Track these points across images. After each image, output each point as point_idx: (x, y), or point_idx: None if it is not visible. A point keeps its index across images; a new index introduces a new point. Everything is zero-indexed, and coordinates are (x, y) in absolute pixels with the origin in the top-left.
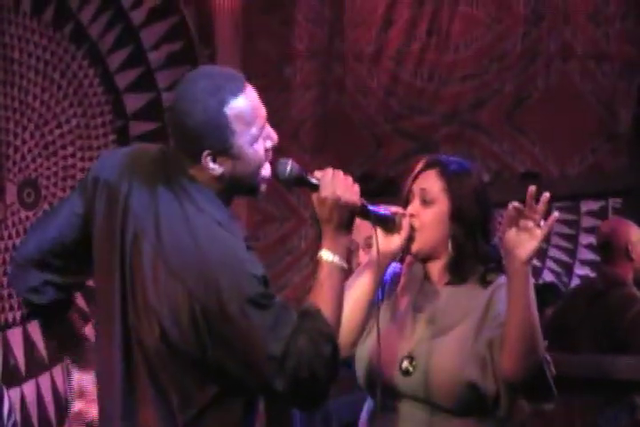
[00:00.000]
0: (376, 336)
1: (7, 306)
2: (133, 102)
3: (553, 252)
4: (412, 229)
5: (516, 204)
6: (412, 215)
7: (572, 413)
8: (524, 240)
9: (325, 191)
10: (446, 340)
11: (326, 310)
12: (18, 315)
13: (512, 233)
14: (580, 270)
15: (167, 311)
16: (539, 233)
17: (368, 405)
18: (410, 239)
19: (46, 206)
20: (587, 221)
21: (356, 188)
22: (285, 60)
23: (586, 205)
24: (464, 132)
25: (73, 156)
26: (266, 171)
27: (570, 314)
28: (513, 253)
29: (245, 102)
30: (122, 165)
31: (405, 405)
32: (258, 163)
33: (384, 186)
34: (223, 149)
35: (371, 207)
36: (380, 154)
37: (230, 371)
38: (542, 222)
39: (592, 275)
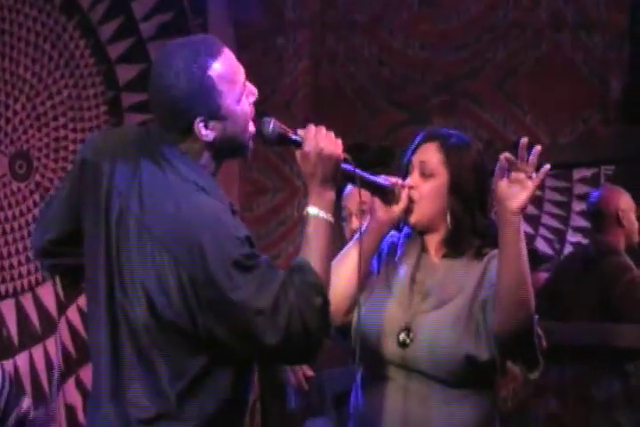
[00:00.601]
0: (374, 309)
1: (0, 278)
2: (125, 73)
3: (545, 219)
4: (411, 200)
5: (507, 154)
6: (410, 187)
7: (565, 381)
8: (515, 191)
9: (308, 145)
10: (443, 313)
11: (315, 262)
12: (10, 287)
13: (503, 184)
14: (573, 237)
15: (154, 281)
16: (530, 184)
17: (361, 375)
18: (408, 211)
19: (38, 178)
20: (579, 188)
21: (339, 141)
22: (277, 31)
23: (578, 173)
24: (456, 101)
25: (64, 127)
26: (251, 127)
27: (562, 282)
28: (504, 204)
29: (225, 62)
30: (105, 146)
31: (401, 376)
32: (245, 119)
33: (377, 156)
34: (213, 112)
35: (370, 177)
36: (373, 124)
37: (221, 337)
38: (534, 174)
39: (585, 242)
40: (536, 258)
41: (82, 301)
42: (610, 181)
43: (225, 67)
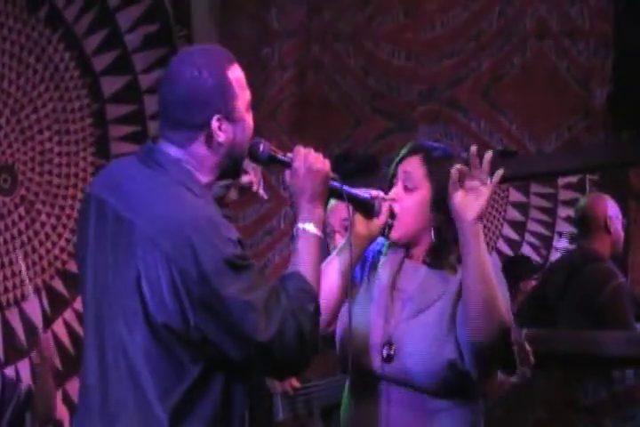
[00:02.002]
0: (359, 320)
1: None
2: (110, 85)
3: (532, 225)
4: (392, 215)
5: (458, 166)
6: (392, 200)
7: (552, 387)
8: (470, 200)
9: (297, 162)
10: (424, 319)
11: (306, 273)
12: None
13: (458, 196)
14: (559, 243)
15: (146, 282)
16: (485, 191)
17: (349, 387)
18: (389, 226)
19: (23, 192)
20: (565, 194)
21: (327, 161)
22: (263, 40)
23: (563, 179)
24: (441, 110)
25: (50, 140)
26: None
27: (548, 289)
28: (461, 215)
29: (239, 71)
30: (106, 177)
31: (385, 387)
32: (250, 130)
33: (362, 165)
34: (229, 112)
35: (350, 190)
36: (359, 133)
37: (212, 338)
38: (488, 181)
39: (571, 247)
40: (529, 266)
41: (68, 314)
42: (595, 186)
43: (238, 74)
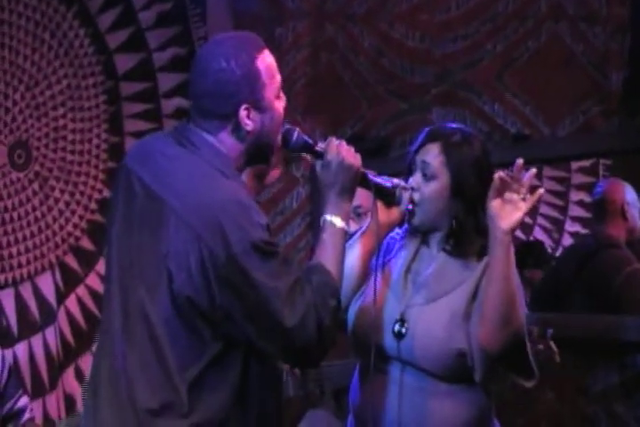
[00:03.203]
0: (371, 300)
1: None
2: (124, 63)
3: (544, 209)
4: (413, 202)
5: (502, 174)
6: (412, 188)
7: (563, 372)
8: (508, 211)
9: (330, 155)
10: (438, 307)
11: (331, 267)
12: (10, 276)
13: (497, 202)
14: (571, 227)
15: (175, 256)
16: (523, 206)
17: (359, 368)
18: (410, 213)
19: (37, 168)
20: (577, 178)
21: (359, 156)
22: (277, 20)
23: (576, 162)
24: (455, 92)
25: (64, 117)
26: (279, 137)
27: (562, 274)
28: (496, 223)
29: (268, 58)
30: (140, 150)
31: (395, 368)
32: (280, 118)
33: (376, 146)
34: (257, 101)
35: (372, 177)
36: (372, 114)
37: (236, 318)
38: (527, 196)
39: (583, 231)
40: (540, 255)
41: (81, 290)
42: (608, 170)
43: (268, 62)
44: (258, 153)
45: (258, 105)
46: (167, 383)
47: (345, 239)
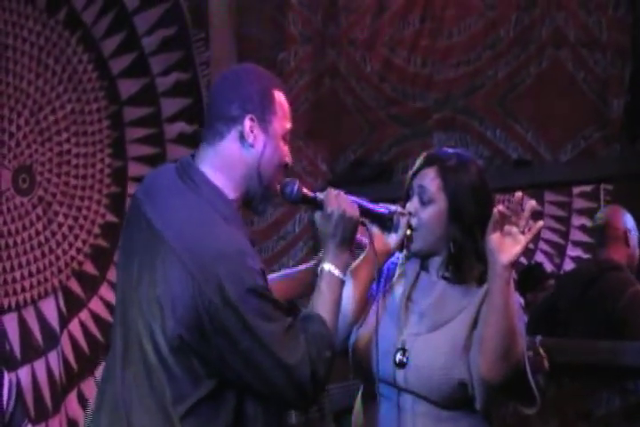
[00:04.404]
0: (372, 328)
1: (2, 292)
2: (127, 87)
3: (545, 233)
4: (411, 228)
5: (501, 208)
6: (410, 214)
7: (564, 397)
8: (507, 245)
9: (331, 206)
10: (438, 336)
11: (326, 316)
12: (13, 301)
13: (496, 236)
14: (573, 252)
15: (169, 295)
16: (522, 239)
17: (361, 393)
18: (409, 238)
19: (41, 192)
20: (579, 203)
21: (356, 206)
22: (279, 45)
23: (578, 187)
24: (457, 118)
25: (68, 141)
26: (277, 186)
27: (562, 299)
28: (496, 257)
29: (284, 99)
30: (149, 183)
31: (397, 394)
32: (281, 161)
33: (377, 171)
34: (263, 119)
35: (368, 205)
36: (373, 139)
37: (230, 362)
38: (527, 229)
39: (584, 256)
40: (539, 276)
41: (84, 315)
42: (609, 195)
43: (285, 102)
44: (256, 186)
45: (264, 125)
46: (161, 414)
47: (341, 288)
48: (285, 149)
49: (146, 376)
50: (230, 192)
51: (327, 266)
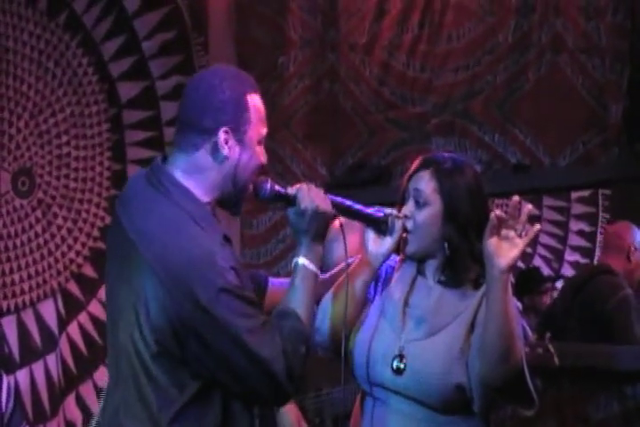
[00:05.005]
0: (370, 333)
1: (1, 294)
2: (127, 90)
3: (543, 238)
4: (406, 230)
5: (498, 212)
6: (405, 216)
7: (563, 401)
8: (504, 249)
9: (304, 203)
10: (436, 341)
11: (301, 311)
12: (12, 303)
13: (493, 241)
14: (571, 256)
15: (143, 301)
16: (519, 243)
17: (360, 397)
18: (404, 241)
19: (40, 195)
20: (577, 208)
21: (328, 199)
22: (279, 49)
23: (576, 192)
24: (455, 122)
25: (67, 144)
26: (250, 186)
27: (558, 303)
28: (493, 262)
29: (259, 102)
30: (125, 191)
31: (396, 400)
32: (257, 165)
33: (376, 175)
34: (238, 130)
35: (362, 208)
36: (372, 143)
37: (207, 363)
38: (524, 232)
39: (582, 261)
40: (539, 278)
41: (83, 317)
42: (608, 201)
43: (258, 105)
44: (232, 192)
45: (238, 136)
46: (149, 420)
47: (316, 282)
48: (260, 151)
49: (133, 384)
50: (202, 196)
51: (301, 260)
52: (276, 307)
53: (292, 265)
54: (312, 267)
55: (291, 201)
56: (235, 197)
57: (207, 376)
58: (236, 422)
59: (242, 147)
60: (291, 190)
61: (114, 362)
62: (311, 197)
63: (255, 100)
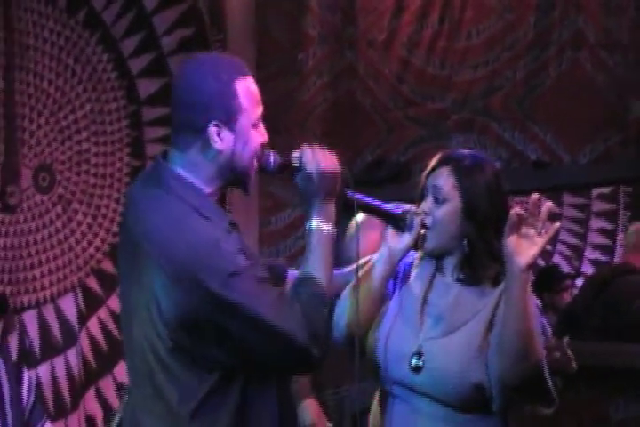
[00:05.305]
0: (388, 330)
1: (22, 289)
2: (146, 87)
3: (563, 236)
4: (425, 227)
5: (518, 210)
6: (424, 213)
7: (581, 402)
8: (524, 247)
9: (310, 167)
10: (454, 339)
11: (319, 274)
12: (33, 298)
13: (513, 239)
14: (591, 254)
15: (154, 300)
16: (539, 241)
17: (379, 395)
18: (422, 238)
19: (61, 191)
20: (597, 205)
21: (334, 157)
22: (298, 46)
23: (597, 189)
24: (475, 119)
25: (87, 140)
26: (256, 162)
27: (579, 301)
28: (513, 260)
29: (250, 84)
30: (129, 190)
31: (414, 398)
32: (254, 149)
33: (395, 172)
34: (230, 122)
35: (381, 205)
36: (391, 140)
37: (229, 346)
38: (544, 230)
39: (603, 258)
40: (559, 276)
41: (102, 312)
42: (629, 198)
43: (250, 87)
44: (233, 178)
45: (230, 126)
46: (170, 417)
47: (332, 242)
48: (258, 133)
49: (149, 382)
50: (204, 187)
51: (315, 223)
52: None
53: (306, 229)
54: (326, 228)
55: (297, 168)
56: (239, 181)
57: (227, 365)
58: (255, 411)
59: (236, 135)
60: (295, 156)
61: (130, 362)
62: (316, 158)
63: (244, 85)
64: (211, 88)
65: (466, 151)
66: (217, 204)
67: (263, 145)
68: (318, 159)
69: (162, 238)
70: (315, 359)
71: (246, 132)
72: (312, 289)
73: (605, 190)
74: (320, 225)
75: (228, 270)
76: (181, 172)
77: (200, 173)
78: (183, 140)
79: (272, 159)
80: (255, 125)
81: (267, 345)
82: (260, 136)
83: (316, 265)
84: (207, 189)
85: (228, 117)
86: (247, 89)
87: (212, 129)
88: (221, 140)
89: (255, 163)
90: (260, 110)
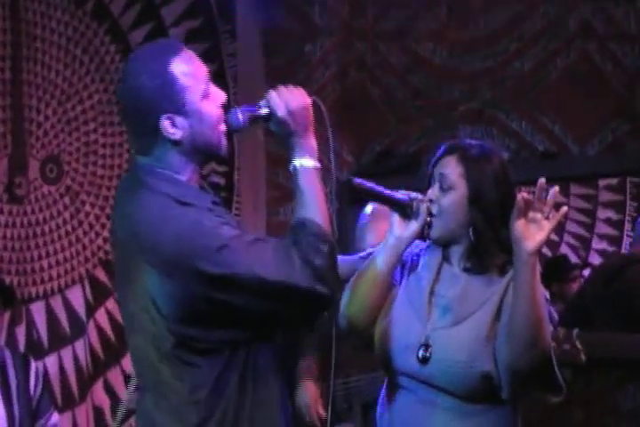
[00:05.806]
0: (396, 321)
1: (30, 280)
2: None
3: (570, 226)
4: (431, 214)
5: (525, 195)
6: (430, 201)
7: (591, 391)
8: (532, 231)
9: (280, 111)
10: (461, 329)
11: (315, 213)
12: (41, 289)
13: (521, 224)
14: (598, 245)
15: (151, 300)
16: (547, 225)
17: (387, 384)
18: (429, 225)
19: (68, 182)
20: (604, 196)
21: (301, 90)
22: (306, 37)
23: (604, 180)
24: (483, 110)
25: (95, 131)
26: (222, 126)
27: (588, 291)
28: (521, 244)
29: (186, 60)
30: (115, 197)
31: (422, 389)
32: (212, 118)
33: (403, 163)
34: (178, 108)
35: (388, 192)
36: (400, 131)
37: (237, 322)
38: (551, 215)
39: (610, 249)
40: (567, 266)
41: (110, 303)
42: (636, 189)
43: (186, 64)
44: (199, 154)
45: (180, 111)
46: (183, 407)
47: (320, 176)
48: (210, 101)
49: (158, 383)
50: (179, 176)
51: (298, 162)
52: None
53: (291, 170)
54: (309, 162)
55: (268, 116)
56: (211, 154)
57: (238, 339)
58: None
59: (189, 117)
60: (262, 105)
61: (138, 369)
62: (283, 99)
63: (179, 63)
64: (148, 83)
65: (473, 141)
66: (197, 187)
67: (224, 106)
68: (286, 99)
69: (147, 236)
70: (323, 296)
71: (198, 109)
72: (309, 231)
73: (613, 181)
74: (303, 163)
75: (215, 246)
76: (154, 168)
77: (171, 164)
78: (144, 144)
79: (240, 116)
80: (205, 95)
81: (273, 301)
82: (213, 102)
83: (308, 204)
84: (183, 177)
85: (175, 104)
86: (184, 66)
87: (165, 123)
88: (177, 128)
89: (221, 128)
90: (204, 77)
